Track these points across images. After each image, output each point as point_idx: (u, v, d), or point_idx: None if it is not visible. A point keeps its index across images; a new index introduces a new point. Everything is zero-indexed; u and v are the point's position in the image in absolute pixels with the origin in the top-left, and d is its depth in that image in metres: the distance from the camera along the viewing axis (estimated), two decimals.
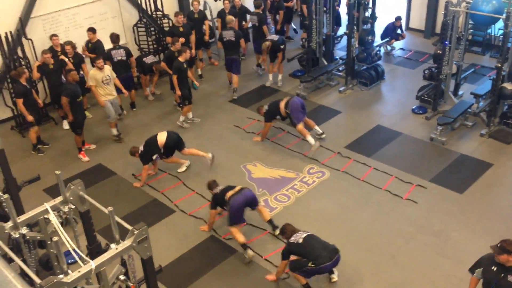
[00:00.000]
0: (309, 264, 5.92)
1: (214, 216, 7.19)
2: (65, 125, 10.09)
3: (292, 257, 6.14)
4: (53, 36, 9.99)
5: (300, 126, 8.88)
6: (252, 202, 7.01)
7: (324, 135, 9.31)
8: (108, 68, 9.40)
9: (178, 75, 9.55)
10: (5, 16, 9.85)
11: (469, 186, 7.97)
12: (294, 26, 14.13)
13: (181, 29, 11.00)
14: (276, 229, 7.09)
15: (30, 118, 9.02)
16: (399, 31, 12.64)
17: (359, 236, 7.14)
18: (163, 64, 10.59)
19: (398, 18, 12.50)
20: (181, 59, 9.53)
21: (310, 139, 8.80)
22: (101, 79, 9.19)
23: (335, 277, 6.42)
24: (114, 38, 10.22)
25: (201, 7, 12.87)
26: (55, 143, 9.83)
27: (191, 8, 11.80)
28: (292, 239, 6.10)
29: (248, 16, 12.31)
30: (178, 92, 9.64)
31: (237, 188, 6.93)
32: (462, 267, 6.50)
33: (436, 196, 7.81)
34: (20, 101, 8.90)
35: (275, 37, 11.17)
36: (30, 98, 9.11)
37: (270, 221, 7.19)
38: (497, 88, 8.98)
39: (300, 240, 6.03)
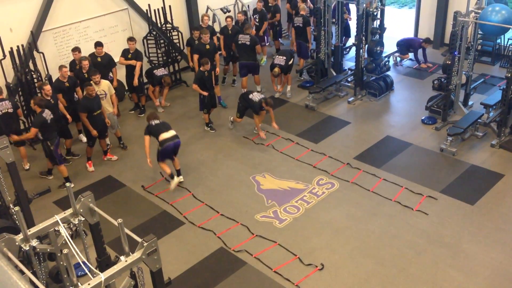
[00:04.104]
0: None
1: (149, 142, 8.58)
2: (82, 138, 10.12)
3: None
4: (77, 50, 9.88)
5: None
6: (175, 151, 8.54)
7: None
8: (105, 83, 9.38)
9: (198, 84, 9.94)
10: (17, 30, 10.00)
11: (481, 197, 7.90)
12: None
13: (207, 46, 10.81)
14: (179, 176, 8.64)
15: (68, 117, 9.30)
16: (421, 55, 12.35)
17: (369, 248, 7.08)
18: (195, 86, 10.08)
19: (428, 41, 12.23)
20: (202, 68, 9.87)
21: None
22: None
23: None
24: None
25: (210, 21, 12.99)
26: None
27: (226, 24, 11.79)
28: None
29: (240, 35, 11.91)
30: (204, 93, 9.97)
31: (171, 134, 8.34)
32: (474, 279, 6.44)
33: (447, 208, 7.74)
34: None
35: (282, 61, 11.00)
36: (55, 113, 8.76)
37: (178, 170, 8.67)
38: (507, 98, 8.93)
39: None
